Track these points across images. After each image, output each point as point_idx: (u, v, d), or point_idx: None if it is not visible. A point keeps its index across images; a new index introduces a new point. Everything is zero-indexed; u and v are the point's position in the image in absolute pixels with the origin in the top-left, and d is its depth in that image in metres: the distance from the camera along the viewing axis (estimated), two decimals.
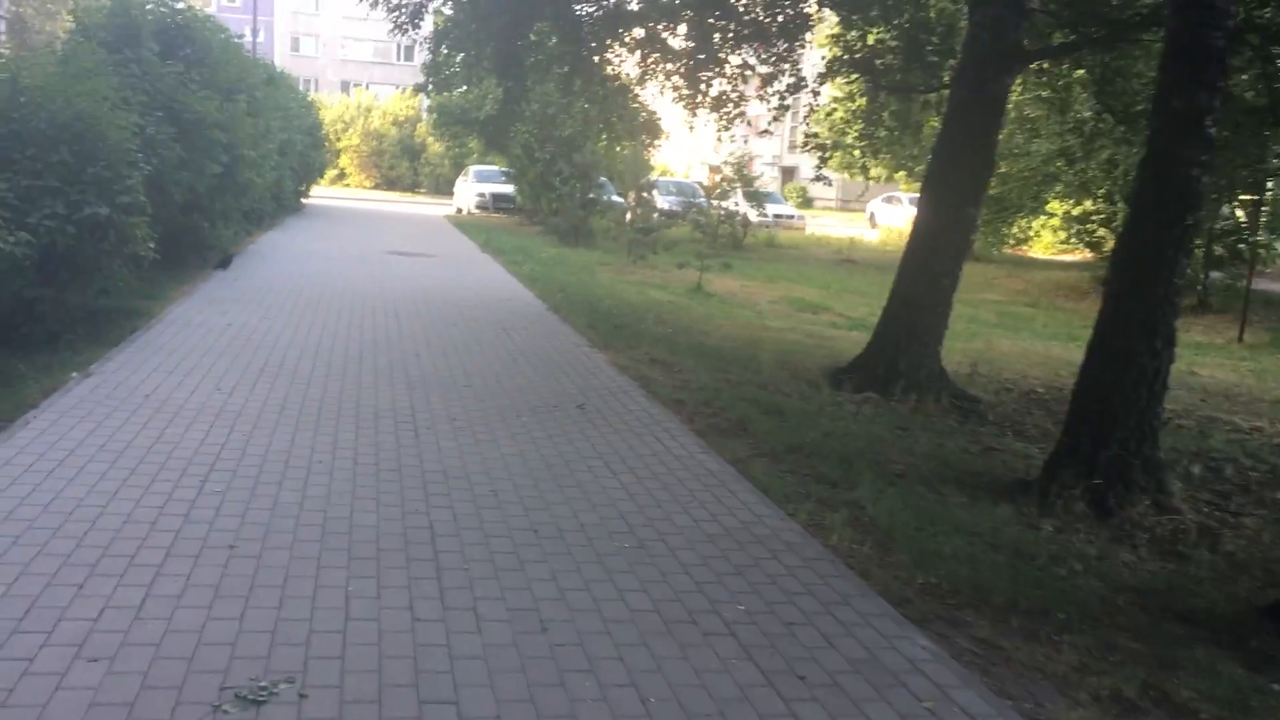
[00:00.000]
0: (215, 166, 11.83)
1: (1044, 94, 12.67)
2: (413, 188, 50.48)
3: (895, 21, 10.71)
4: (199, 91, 11.65)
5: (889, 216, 41.82)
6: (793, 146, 69.10)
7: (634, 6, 12.16)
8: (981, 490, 6.23)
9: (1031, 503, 5.99)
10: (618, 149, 26.28)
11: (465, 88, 25.17)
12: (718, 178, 25.72)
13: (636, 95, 14.56)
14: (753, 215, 25.29)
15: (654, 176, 26.68)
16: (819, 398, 8.51)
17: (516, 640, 3.61)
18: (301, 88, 32.60)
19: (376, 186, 50.42)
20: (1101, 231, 21.86)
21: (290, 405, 6.66)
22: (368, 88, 59.25)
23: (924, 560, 4.80)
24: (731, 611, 4.04)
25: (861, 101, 14.47)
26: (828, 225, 39.28)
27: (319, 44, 69.93)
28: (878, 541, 5.03)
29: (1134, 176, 6.65)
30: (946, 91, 11.70)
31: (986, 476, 6.65)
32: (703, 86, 12.68)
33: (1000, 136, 18.55)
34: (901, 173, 28.11)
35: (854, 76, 11.18)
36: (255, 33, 55.29)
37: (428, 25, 12.98)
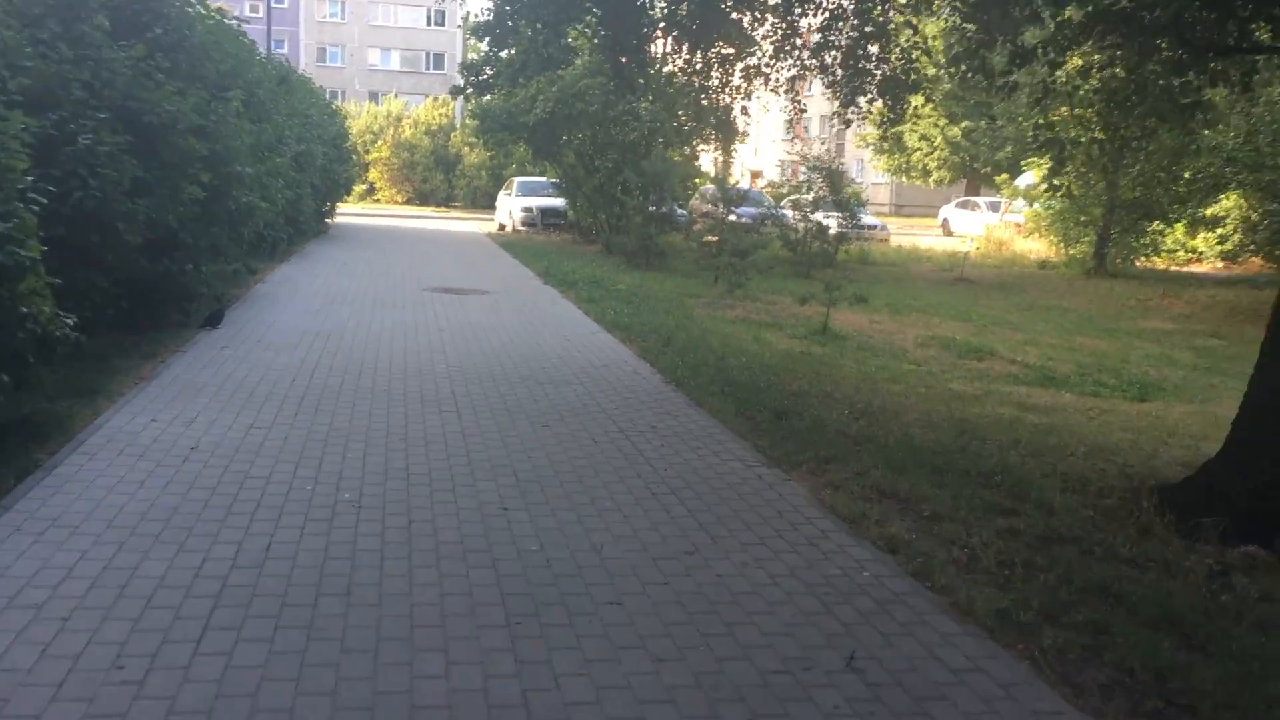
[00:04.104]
0: (193, 189, 8.37)
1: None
2: (447, 202, 47.04)
3: None
4: (167, 85, 8.22)
5: (965, 223, 37.88)
6: (839, 150, 65.05)
7: None
8: None
9: None
10: (672, 154, 22.62)
11: (510, 89, 21.46)
12: (794, 183, 22.15)
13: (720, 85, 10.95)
14: (835, 226, 21.48)
15: (706, 185, 23.02)
16: (1183, 565, 4.93)
17: None
18: (327, 98, 29.25)
19: (408, 201, 47.04)
20: None
21: (268, 710, 3.10)
22: (396, 97, 55.94)
23: None
24: None
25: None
26: (898, 234, 35.36)
27: (345, 53, 67.14)
28: None
29: None
30: (1260, 58, 8.05)
31: None
32: (868, 65, 9.07)
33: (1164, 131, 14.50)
34: (1004, 176, 24.20)
35: (1109, 40, 7.53)
36: (279, 43, 52.35)
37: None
